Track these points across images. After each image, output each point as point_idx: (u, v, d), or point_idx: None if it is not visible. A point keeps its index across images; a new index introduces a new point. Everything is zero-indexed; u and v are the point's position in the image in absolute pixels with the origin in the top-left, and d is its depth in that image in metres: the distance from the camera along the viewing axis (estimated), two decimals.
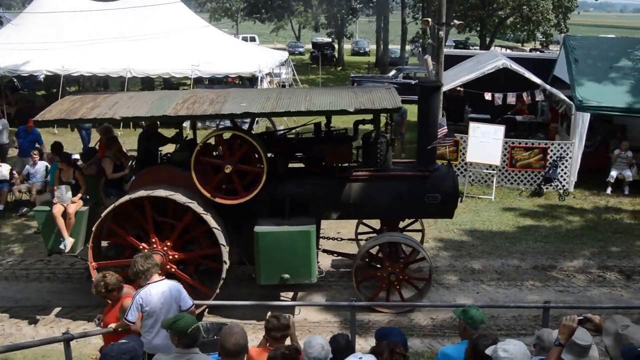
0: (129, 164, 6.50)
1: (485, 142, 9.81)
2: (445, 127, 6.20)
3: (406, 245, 6.25)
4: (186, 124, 12.70)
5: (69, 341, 4.14)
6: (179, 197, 5.39)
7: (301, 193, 5.85)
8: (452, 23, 11.67)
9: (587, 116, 9.89)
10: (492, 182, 10.09)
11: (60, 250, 5.92)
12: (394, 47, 32.91)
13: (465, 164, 10.12)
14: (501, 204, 9.66)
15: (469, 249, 7.77)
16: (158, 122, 6.40)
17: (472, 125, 10.03)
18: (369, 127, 6.12)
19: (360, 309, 5.44)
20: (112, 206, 5.51)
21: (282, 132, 6.44)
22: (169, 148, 6.72)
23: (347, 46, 38.61)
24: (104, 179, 6.17)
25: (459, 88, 11.31)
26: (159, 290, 3.91)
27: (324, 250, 6.55)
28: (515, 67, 10.80)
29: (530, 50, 28.70)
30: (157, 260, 5.35)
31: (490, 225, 8.68)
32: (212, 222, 5.43)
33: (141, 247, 5.55)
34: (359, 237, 7.33)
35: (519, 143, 10.30)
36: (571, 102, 10.05)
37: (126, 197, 5.47)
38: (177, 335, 3.08)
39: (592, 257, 7.53)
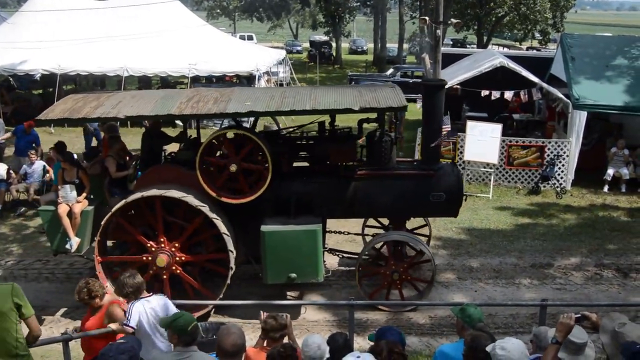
0: (133, 163, 6.48)
1: (482, 141, 9.84)
2: (449, 125, 6.21)
3: (413, 247, 6.26)
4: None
5: (67, 341, 4.13)
6: (191, 200, 5.37)
7: (306, 192, 5.84)
8: (449, 22, 11.69)
9: (584, 114, 9.92)
10: (490, 180, 10.11)
11: (67, 250, 5.90)
12: (392, 45, 32.91)
13: (463, 162, 10.14)
14: (499, 202, 9.68)
15: (467, 248, 7.79)
16: (161, 121, 6.38)
17: (470, 124, 10.05)
18: (373, 125, 6.12)
19: (358, 307, 5.45)
20: (123, 202, 5.45)
21: (286, 130, 6.42)
22: (170, 147, 6.71)
23: (345, 45, 38.57)
24: (108, 178, 6.16)
25: (456, 86, 11.33)
26: (150, 307, 3.91)
27: (330, 250, 6.56)
28: (512, 65, 10.82)
29: (528, 49, 28.74)
30: (165, 260, 5.39)
31: (488, 224, 8.71)
32: (223, 228, 5.42)
33: (149, 245, 5.54)
34: (365, 234, 7.32)
35: (517, 141, 10.32)
36: (568, 101, 10.07)
37: (139, 195, 5.42)
38: (177, 334, 3.08)
39: (589, 255, 7.56)
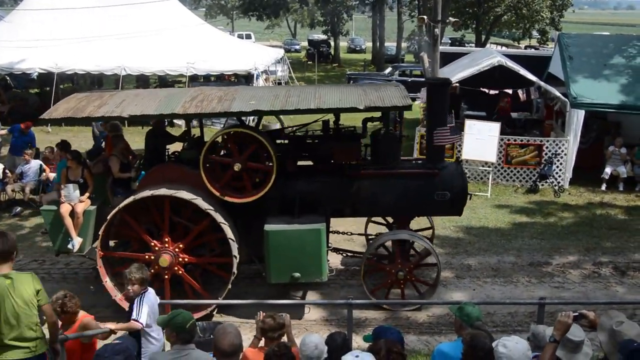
0: (137, 162, 6.46)
1: (480, 139, 9.84)
2: (453, 123, 6.17)
3: (416, 250, 6.23)
4: (180, 122, 12.71)
5: (63, 342, 4.11)
6: (201, 203, 5.34)
7: (310, 191, 5.81)
8: (447, 20, 11.69)
9: (581, 113, 9.93)
10: (488, 179, 10.11)
11: (69, 250, 5.87)
12: (390, 44, 32.92)
13: (461, 161, 10.13)
14: (497, 200, 9.69)
15: (465, 246, 7.79)
16: (165, 120, 6.33)
17: (468, 123, 10.05)
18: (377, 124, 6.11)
19: (357, 306, 5.44)
20: (132, 198, 5.41)
21: (289, 129, 6.40)
22: (172, 146, 6.68)
23: (343, 43, 38.55)
24: (111, 178, 6.13)
25: (454, 84, 11.32)
26: (153, 298, 4.02)
27: (334, 249, 6.53)
28: (510, 64, 10.82)
29: (526, 48, 28.78)
30: (168, 260, 5.37)
31: (486, 222, 8.71)
32: (229, 233, 5.40)
33: (152, 244, 5.52)
34: (368, 234, 7.29)
35: (515, 140, 10.33)
36: (566, 99, 10.08)
37: (149, 192, 5.39)
38: (175, 332, 3.07)
39: (587, 253, 7.57)
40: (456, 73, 11.26)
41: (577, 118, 9.93)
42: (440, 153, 6.10)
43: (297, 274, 5.39)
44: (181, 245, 5.54)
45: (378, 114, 5.91)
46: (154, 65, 14.31)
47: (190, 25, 16.38)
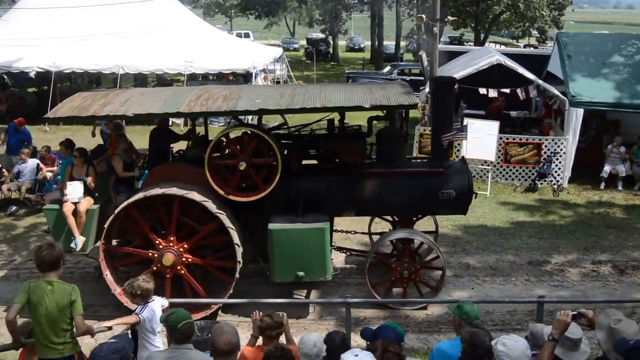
0: (140, 162, 6.44)
1: (479, 138, 9.82)
2: (458, 122, 6.14)
3: (429, 250, 6.21)
4: (179, 121, 12.68)
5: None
6: (210, 205, 5.32)
7: (315, 190, 5.79)
8: (446, 19, 11.66)
9: (580, 112, 9.93)
10: (487, 177, 10.11)
11: (71, 249, 5.84)
12: (389, 43, 32.90)
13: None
14: (496, 199, 9.68)
15: (464, 245, 7.78)
16: (170, 119, 6.30)
17: (467, 121, 10.03)
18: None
19: (355, 305, 5.42)
20: (143, 194, 5.37)
21: (295, 129, 6.38)
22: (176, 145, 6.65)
23: (342, 42, 38.51)
24: (114, 177, 6.11)
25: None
26: (158, 308, 4.03)
27: (338, 248, 6.51)
28: (509, 63, 10.81)
29: (525, 46, 28.78)
30: (172, 259, 5.34)
31: (485, 221, 8.70)
32: (236, 238, 5.38)
33: (157, 242, 5.50)
34: (372, 232, 7.26)
35: (514, 139, 10.32)
36: (565, 98, 10.07)
37: (160, 191, 5.36)
38: (169, 330, 3.06)
39: (585, 252, 7.57)
40: (455, 72, 11.24)
41: (576, 117, 9.93)
42: (445, 152, 6.07)
43: (301, 273, 5.37)
44: (186, 245, 5.52)
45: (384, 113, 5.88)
46: (152, 64, 14.27)
47: (189, 23, 16.35)
